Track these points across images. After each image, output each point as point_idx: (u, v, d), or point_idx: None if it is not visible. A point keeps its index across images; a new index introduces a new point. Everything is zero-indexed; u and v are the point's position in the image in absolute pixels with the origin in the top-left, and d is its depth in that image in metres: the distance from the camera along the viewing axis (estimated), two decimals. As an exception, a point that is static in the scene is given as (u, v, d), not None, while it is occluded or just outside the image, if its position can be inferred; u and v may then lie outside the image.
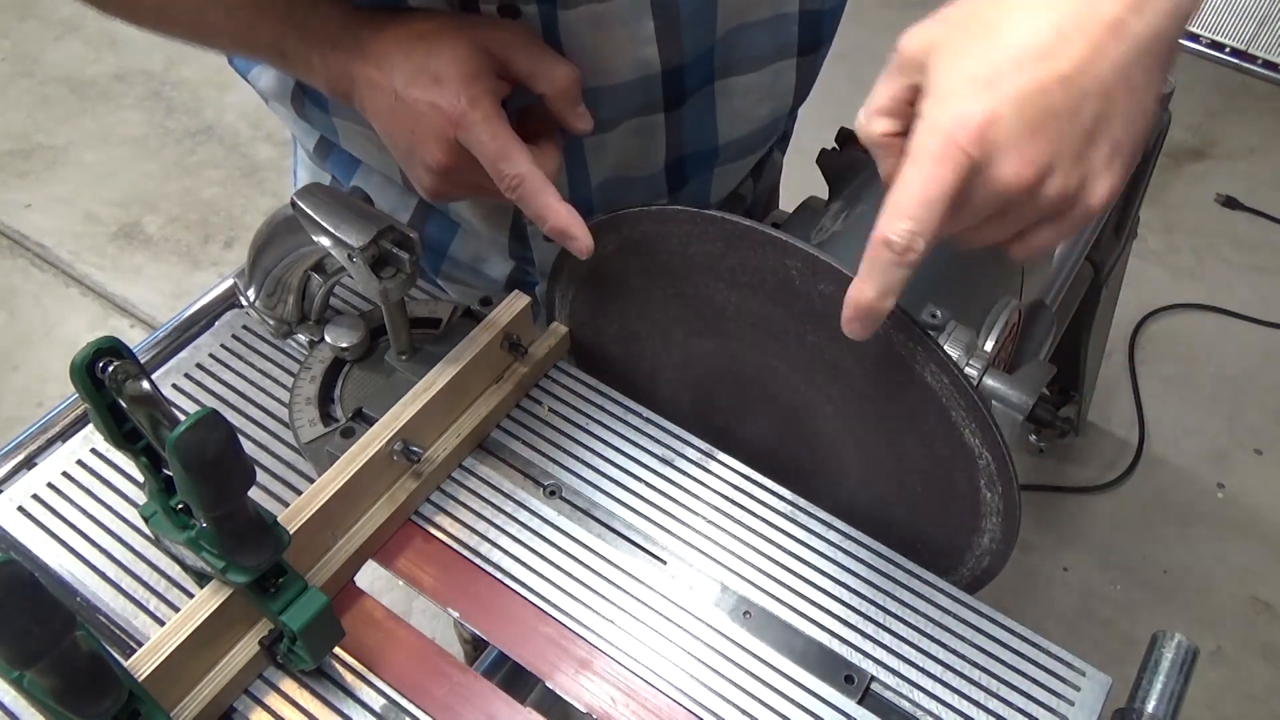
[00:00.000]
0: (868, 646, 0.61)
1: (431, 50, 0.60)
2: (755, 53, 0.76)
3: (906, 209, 0.45)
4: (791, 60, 0.78)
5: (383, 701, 0.58)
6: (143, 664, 0.53)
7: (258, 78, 0.84)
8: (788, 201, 0.95)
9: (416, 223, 0.87)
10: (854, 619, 0.62)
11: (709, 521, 0.66)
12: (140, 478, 0.57)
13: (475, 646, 1.00)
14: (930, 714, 0.59)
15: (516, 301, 0.70)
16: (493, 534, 0.65)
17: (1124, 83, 0.45)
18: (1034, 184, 0.46)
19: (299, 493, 0.64)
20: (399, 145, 0.64)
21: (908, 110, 0.48)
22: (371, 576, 0.64)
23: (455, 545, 0.65)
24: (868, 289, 0.48)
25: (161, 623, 0.62)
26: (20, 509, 0.68)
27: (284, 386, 0.75)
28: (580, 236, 0.61)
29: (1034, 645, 0.61)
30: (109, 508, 0.68)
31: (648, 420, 0.71)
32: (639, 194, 0.78)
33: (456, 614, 0.62)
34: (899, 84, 0.49)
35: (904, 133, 0.49)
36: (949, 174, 0.45)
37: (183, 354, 0.77)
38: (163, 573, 0.65)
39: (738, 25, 0.73)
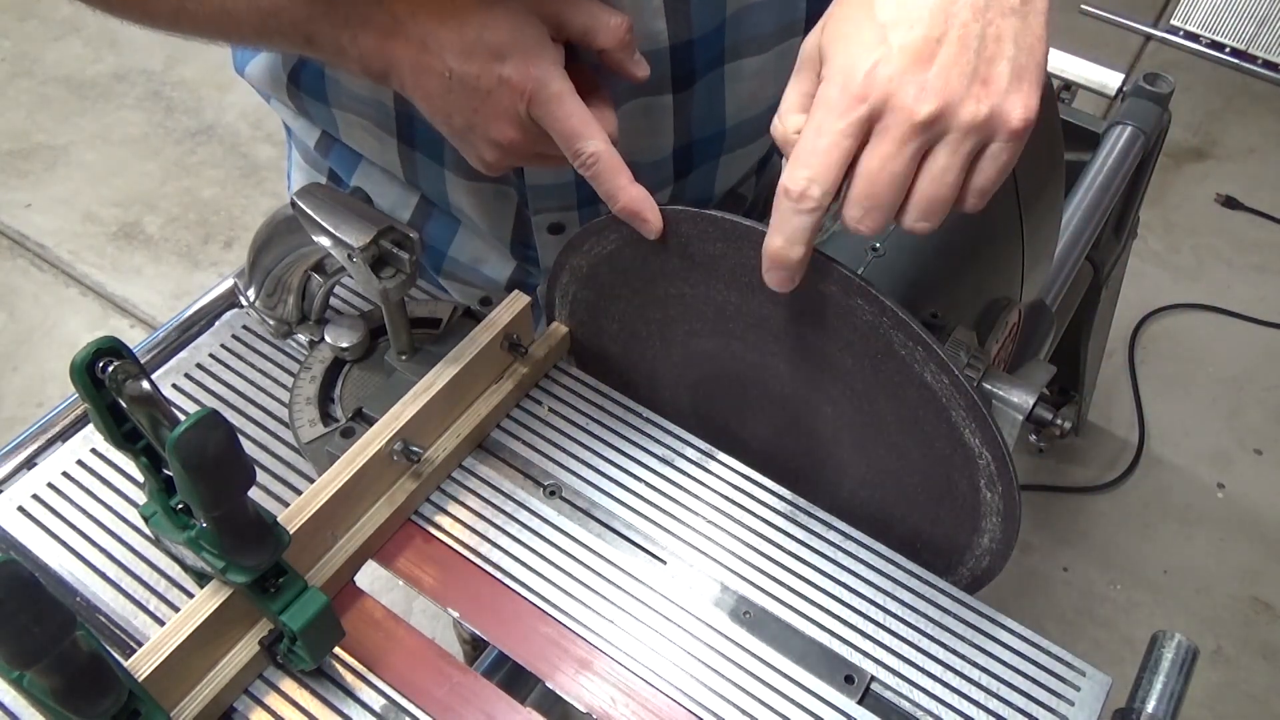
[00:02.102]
0: (868, 646, 0.61)
1: (485, 23, 0.58)
2: (762, 31, 0.76)
3: (802, 159, 0.49)
4: (797, 39, 0.78)
5: (383, 701, 0.58)
6: (143, 664, 0.53)
7: (254, 74, 0.84)
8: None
9: (417, 221, 0.87)
10: (854, 619, 0.62)
11: (709, 521, 0.66)
12: (140, 478, 0.57)
13: (475, 646, 1.00)
14: (930, 714, 0.59)
15: (516, 301, 0.70)
16: (493, 534, 0.65)
17: (999, 3, 0.48)
18: (942, 109, 0.47)
19: (299, 493, 0.64)
20: (455, 124, 0.62)
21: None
22: (371, 576, 0.64)
23: (455, 545, 0.65)
24: (775, 237, 0.52)
25: (161, 623, 0.62)
26: (20, 509, 0.68)
27: (284, 386, 0.75)
28: (651, 219, 0.61)
29: (1034, 645, 0.61)
30: (109, 508, 0.68)
31: (648, 420, 0.71)
32: (645, 180, 0.78)
33: (456, 614, 0.62)
34: (805, 81, 0.52)
35: None
36: (839, 120, 0.48)
37: (183, 354, 0.77)
38: (163, 573, 0.65)
39: (748, 3, 0.73)
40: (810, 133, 0.49)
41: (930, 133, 0.48)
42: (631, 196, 0.60)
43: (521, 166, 0.65)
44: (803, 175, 0.49)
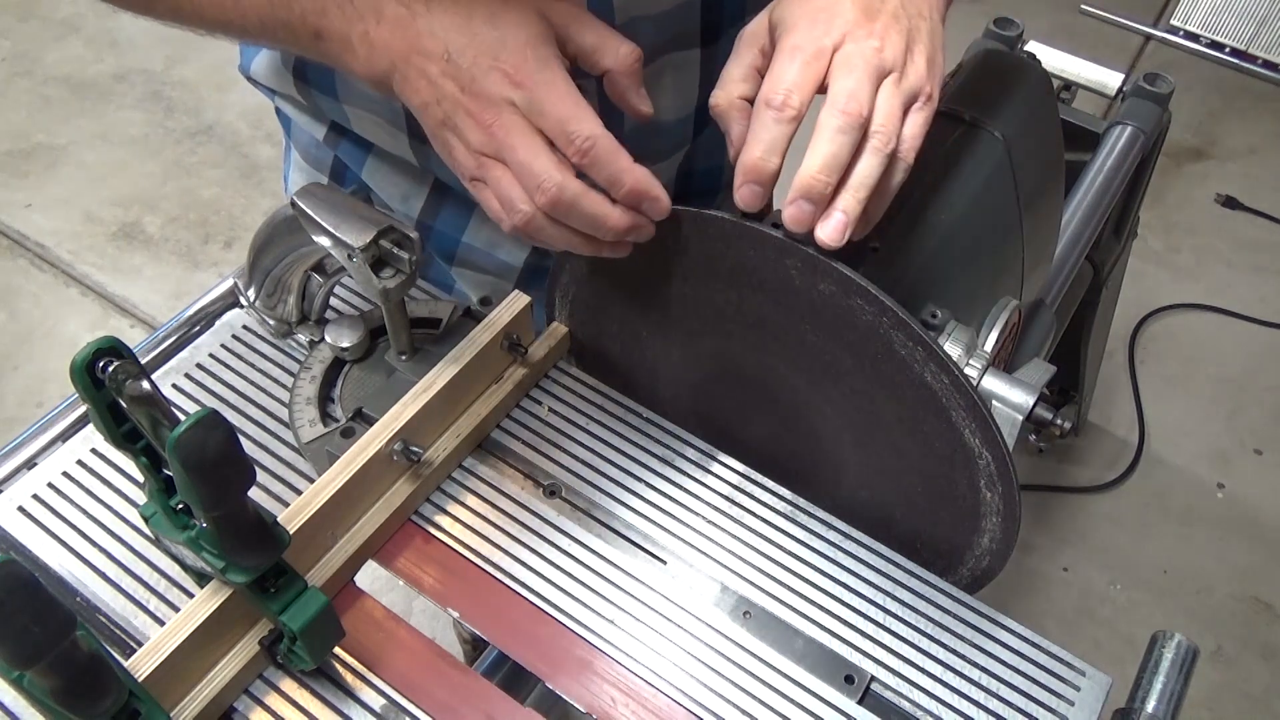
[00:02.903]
0: (868, 646, 0.61)
1: (492, 17, 0.58)
2: None
3: (781, 76, 0.55)
4: None
5: (383, 701, 0.58)
6: (143, 664, 0.53)
7: (259, 70, 0.84)
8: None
9: (430, 211, 0.86)
10: (854, 619, 0.62)
11: (709, 521, 0.66)
12: (140, 478, 0.57)
13: (475, 646, 1.00)
14: (930, 714, 0.59)
15: (516, 301, 0.70)
16: (493, 534, 0.65)
17: (916, 11, 0.59)
18: (891, 54, 0.56)
19: (299, 493, 0.64)
20: (435, 117, 0.60)
21: (757, 77, 0.58)
22: (371, 576, 0.64)
23: (455, 545, 0.65)
24: (754, 148, 0.56)
25: (161, 623, 0.62)
26: (20, 509, 0.68)
27: (284, 386, 0.75)
28: (660, 196, 0.59)
29: (1034, 645, 0.61)
30: (109, 508, 0.68)
31: (648, 420, 0.71)
32: (666, 141, 0.79)
33: (456, 614, 0.62)
34: (749, 55, 0.59)
35: (753, 98, 0.57)
36: (809, 50, 0.56)
37: (183, 354, 0.77)
38: (163, 573, 0.65)
39: None
40: (784, 58, 0.55)
41: (882, 69, 0.56)
42: (637, 177, 0.58)
43: (484, 179, 0.63)
44: (783, 87, 0.55)
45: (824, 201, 0.56)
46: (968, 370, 0.64)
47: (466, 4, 0.59)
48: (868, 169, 0.56)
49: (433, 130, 0.62)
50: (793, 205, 0.56)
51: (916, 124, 0.58)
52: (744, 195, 0.57)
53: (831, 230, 0.56)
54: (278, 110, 0.92)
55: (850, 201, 0.56)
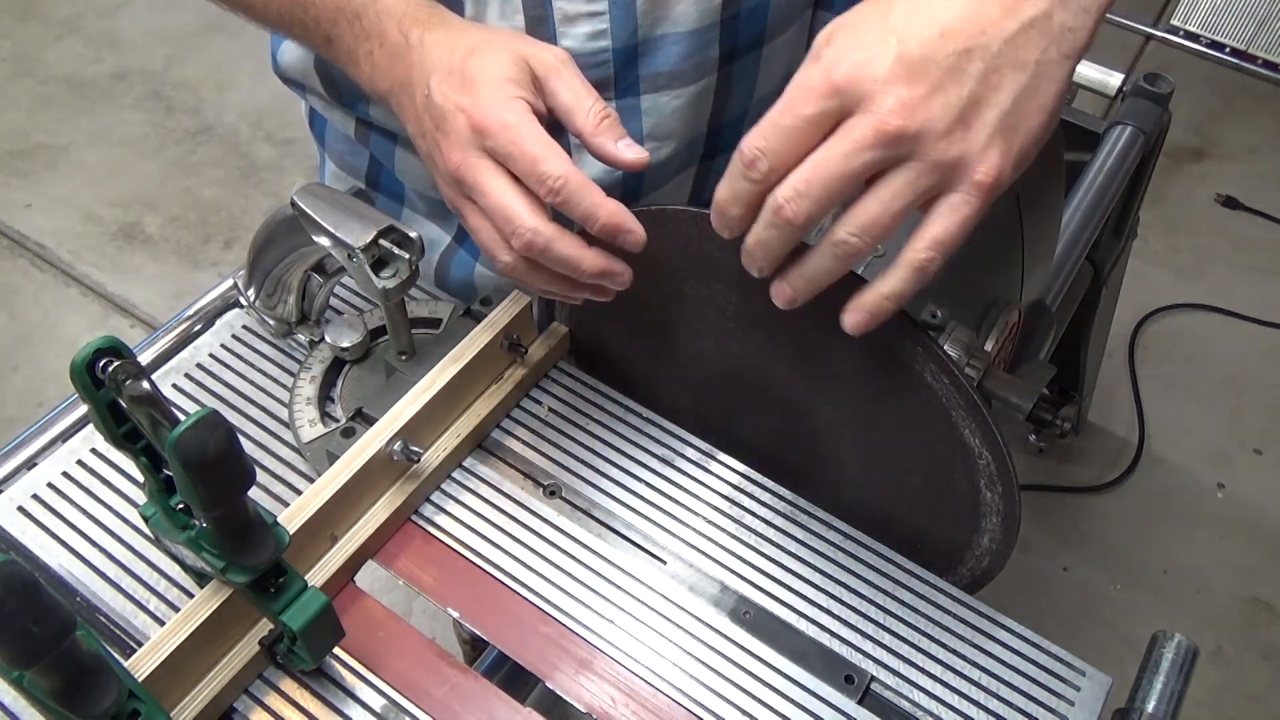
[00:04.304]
0: (868, 646, 0.61)
1: (472, 53, 0.58)
2: (795, 2, 0.78)
3: (764, 129, 0.48)
4: (809, 12, 0.80)
5: (383, 701, 0.58)
6: (143, 664, 0.53)
7: (289, 64, 0.84)
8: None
9: None
10: (854, 619, 0.62)
11: (709, 521, 0.66)
12: (140, 478, 0.57)
13: (475, 646, 1.00)
14: (930, 714, 0.59)
15: (516, 301, 0.70)
16: (493, 534, 0.65)
17: (1013, 55, 0.46)
18: (913, 133, 0.46)
19: (299, 493, 0.64)
20: (421, 146, 0.62)
21: None
22: (371, 576, 0.64)
23: (455, 545, 0.65)
24: (721, 189, 0.52)
25: (161, 623, 0.62)
26: (20, 509, 0.68)
27: (284, 386, 0.75)
28: (635, 229, 0.57)
29: (1034, 645, 0.61)
30: (109, 508, 0.68)
31: (648, 420, 0.71)
32: (678, 159, 0.80)
33: (456, 614, 0.62)
34: None
35: None
36: (808, 106, 0.47)
37: (183, 354, 0.77)
38: (163, 573, 0.65)
39: None
40: (781, 106, 0.48)
41: (892, 151, 0.46)
42: (610, 212, 0.56)
43: (464, 216, 0.62)
44: (757, 145, 0.48)
45: (767, 267, 0.52)
46: (968, 370, 0.64)
47: (453, 41, 0.59)
48: (818, 268, 0.51)
49: (423, 159, 0.63)
50: (712, 215, 0.54)
51: (947, 224, 0.47)
52: (713, 221, 0.54)
53: (774, 293, 0.53)
54: (311, 114, 0.92)
55: (799, 285, 0.52)
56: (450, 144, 0.58)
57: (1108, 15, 0.50)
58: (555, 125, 0.59)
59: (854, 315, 0.51)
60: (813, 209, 0.48)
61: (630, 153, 0.58)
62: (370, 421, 0.65)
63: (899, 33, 0.46)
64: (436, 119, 0.58)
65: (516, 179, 0.57)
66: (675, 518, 0.66)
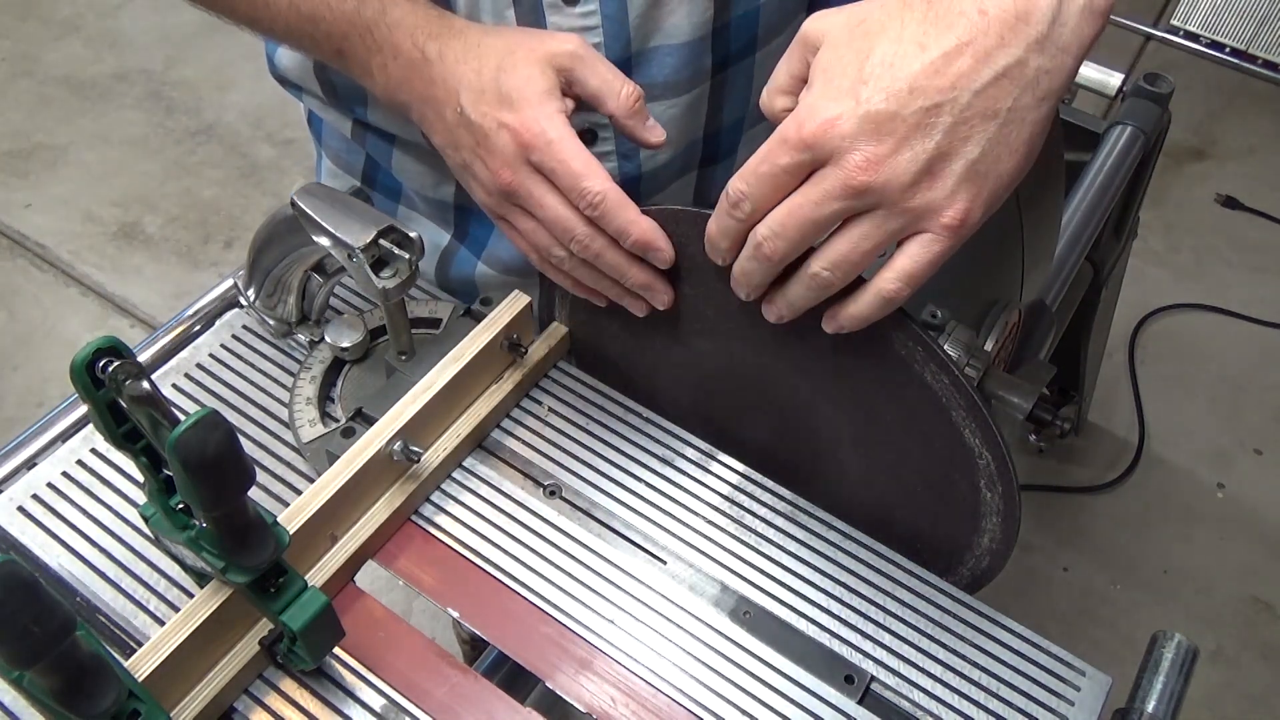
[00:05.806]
0: (868, 646, 0.61)
1: (501, 68, 0.61)
2: (788, 7, 0.78)
3: (746, 174, 0.52)
4: (802, 15, 0.79)
5: (383, 701, 0.58)
6: (143, 664, 0.53)
7: (285, 65, 0.84)
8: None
9: (462, 198, 0.87)
10: (854, 619, 0.62)
11: (709, 521, 0.66)
12: (140, 478, 0.57)
13: (475, 646, 1.00)
14: (930, 714, 0.59)
15: (516, 301, 0.70)
16: (493, 534, 0.65)
17: (983, 105, 0.47)
18: (878, 186, 0.48)
19: (299, 493, 0.64)
20: (456, 159, 0.64)
21: (801, 87, 0.53)
22: (371, 576, 0.64)
23: (455, 545, 0.65)
24: (710, 224, 0.56)
25: (161, 623, 0.62)
26: (20, 509, 0.68)
27: (284, 386, 0.75)
28: (665, 248, 0.61)
29: (1034, 645, 0.61)
30: (109, 508, 0.68)
31: (648, 420, 0.71)
32: (676, 165, 0.80)
33: (456, 614, 0.62)
34: (797, 62, 0.54)
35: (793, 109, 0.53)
36: (784, 157, 0.50)
37: (183, 354, 0.77)
38: (163, 573, 0.65)
39: None
40: (760, 155, 0.51)
41: (860, 200, 0.49)
42: (643, 229, 0.60)
43: (510, 221, 0.66)
44: (740, 189, 0.52)
45: (752, 293, 0.57)
46: (968, 370, 0.64)
47: (477, 56, 0.62)
48: (797, 295, 0.55)
49: (455, 170, 0.66)
50: (705, 243, 0.57)
51: (917, 258, 0.50)
52: (708, 252, 0.58)
53: (765, 312, 0.58)
54: (308, 114, 0.93)
55: (783, 309, 0.57)
56: (499, 162, 0.61)
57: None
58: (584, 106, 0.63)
59: (827, 324, 0.57)
60: (788, 249, 0.52)
61: (654, 135, 0.63)
62: (370, 421, 0.65)
63: (870, 84, 0.48)
64: (478, 136, 0.61)
65: (559, 191, 0.60)
66: (675, 518, 0.66)
